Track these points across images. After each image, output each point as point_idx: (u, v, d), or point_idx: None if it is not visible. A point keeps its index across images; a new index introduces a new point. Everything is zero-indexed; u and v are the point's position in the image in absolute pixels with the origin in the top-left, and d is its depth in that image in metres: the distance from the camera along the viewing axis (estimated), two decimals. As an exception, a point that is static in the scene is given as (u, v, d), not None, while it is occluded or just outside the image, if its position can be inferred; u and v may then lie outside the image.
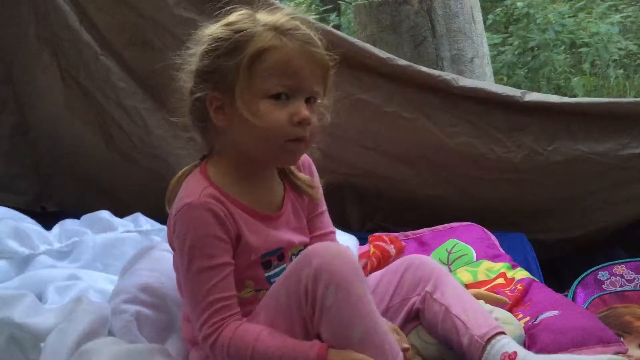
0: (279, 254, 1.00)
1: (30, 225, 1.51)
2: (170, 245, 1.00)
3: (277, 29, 0.94)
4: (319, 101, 0.98)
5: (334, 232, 1.10)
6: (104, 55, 1.73)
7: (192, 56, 0.98)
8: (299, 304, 0.90)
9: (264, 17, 0.96)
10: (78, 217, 1.56)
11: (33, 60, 1.78)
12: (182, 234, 0.93)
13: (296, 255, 0.98)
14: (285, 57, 0.93)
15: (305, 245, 1.02)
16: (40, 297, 1.24)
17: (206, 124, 0.98)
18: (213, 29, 0.97)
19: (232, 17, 0.97)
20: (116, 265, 1.35)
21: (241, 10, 0.98)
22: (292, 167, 1.05)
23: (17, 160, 1.89)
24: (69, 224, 1.53)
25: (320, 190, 1.08)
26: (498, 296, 1.16)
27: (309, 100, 0.96)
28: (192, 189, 0.95)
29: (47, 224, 1.55)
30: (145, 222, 1.56)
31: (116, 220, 1.53)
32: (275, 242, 0.99)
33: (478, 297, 1.08)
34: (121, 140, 1.80)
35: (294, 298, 0.91)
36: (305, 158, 1.07)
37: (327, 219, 1.09)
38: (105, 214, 1.54)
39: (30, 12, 1.74)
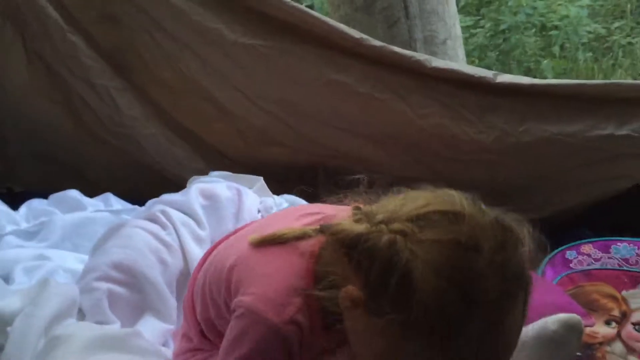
0: None
1: (-5, 205, 1.48)
2: None
3: None
4: None
5: None
6: (70, 32, 1.68)
7: None
8: None
9: None
10: (46, 198, 1.53)
11: (-5, 36, 1.73)
12: None
13: None
14: None
15: None
16: (7, 278, 1.22)
17: None
18: None
19: None
20: (86, 245, 1.32)
21: None
22: None
23: (-19, 141, 1.84)
24: (36, 203, 1.50)
25: None
26: None
27: None
28: None
29: (14, 205, 1.52)
30: (116, 202, 1.53)
31: (86, 199, 1.51)
32: None
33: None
34: (90, 119, 1.76)
35: None
36: None
37: None
38: (74, 193, 1.51)
39: (-9, -14, 1.68)
